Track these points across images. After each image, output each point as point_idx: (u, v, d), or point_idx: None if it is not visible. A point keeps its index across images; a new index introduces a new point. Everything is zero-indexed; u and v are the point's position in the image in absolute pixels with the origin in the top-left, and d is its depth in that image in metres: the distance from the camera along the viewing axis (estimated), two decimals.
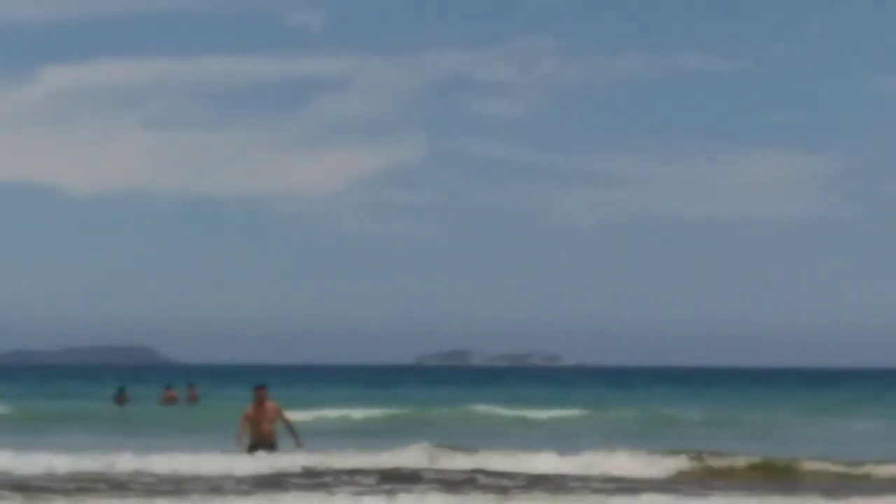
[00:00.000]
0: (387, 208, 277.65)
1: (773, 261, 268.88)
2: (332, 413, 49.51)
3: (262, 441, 24.29)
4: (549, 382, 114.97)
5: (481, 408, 53.43)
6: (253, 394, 24.55)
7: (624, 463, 25.27)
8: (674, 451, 26.30)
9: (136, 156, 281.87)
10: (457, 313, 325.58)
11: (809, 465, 25.25)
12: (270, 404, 24.46)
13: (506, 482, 22.35)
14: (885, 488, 21.94)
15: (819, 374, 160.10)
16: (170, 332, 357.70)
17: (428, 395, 74.92)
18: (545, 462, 25.31)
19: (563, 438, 35.16)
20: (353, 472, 23.28)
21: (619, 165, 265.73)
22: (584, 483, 22.52)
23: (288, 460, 24.03)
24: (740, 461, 25.71)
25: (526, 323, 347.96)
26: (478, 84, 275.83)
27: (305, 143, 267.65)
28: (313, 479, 22.37)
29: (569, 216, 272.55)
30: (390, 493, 20.13)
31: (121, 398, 56.17)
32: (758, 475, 24.50)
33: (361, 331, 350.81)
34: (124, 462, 24.12)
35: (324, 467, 23.94)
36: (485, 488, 21.48)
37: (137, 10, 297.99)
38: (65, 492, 19.99)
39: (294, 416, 26.42)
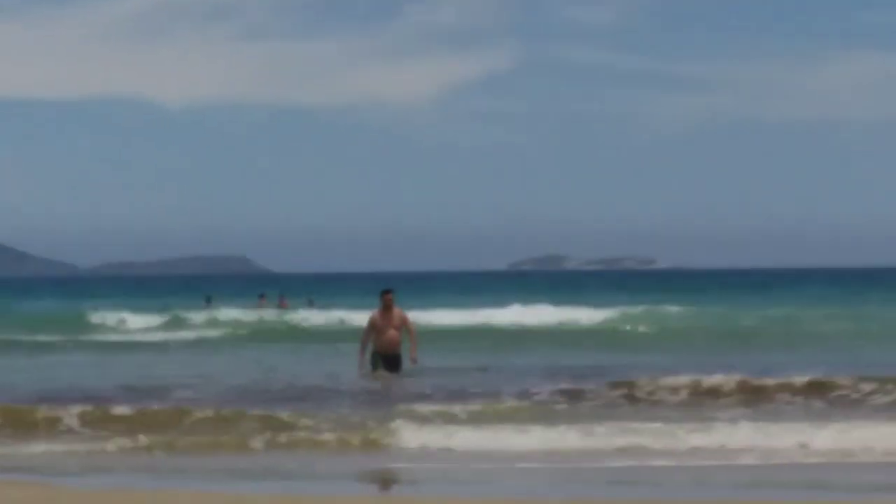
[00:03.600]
0: (479, 117, 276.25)
1: (866, 162, 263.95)
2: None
3: (386, 349, 22.96)
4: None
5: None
6: (379, 299, 23.23)
7: None
8: None
9: (228, 67, 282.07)
10: (549, 219, 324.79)
11: None
12: (397, 311, 23.16)
13: None
14: None
15: None
16: (265, 241, 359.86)
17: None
18: None
19: None
20: None
21: (711, 70, 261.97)
22: None
23: None
24: None
25: (619, 227, 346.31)
26: None
27: (397, 53, 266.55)
28: None
29: (661, 121, 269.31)
30: None
31: (207, 306, 57.40)
32: None
33: (452, 238, 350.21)
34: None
35: None
36: None
37: None
38: None
39: None
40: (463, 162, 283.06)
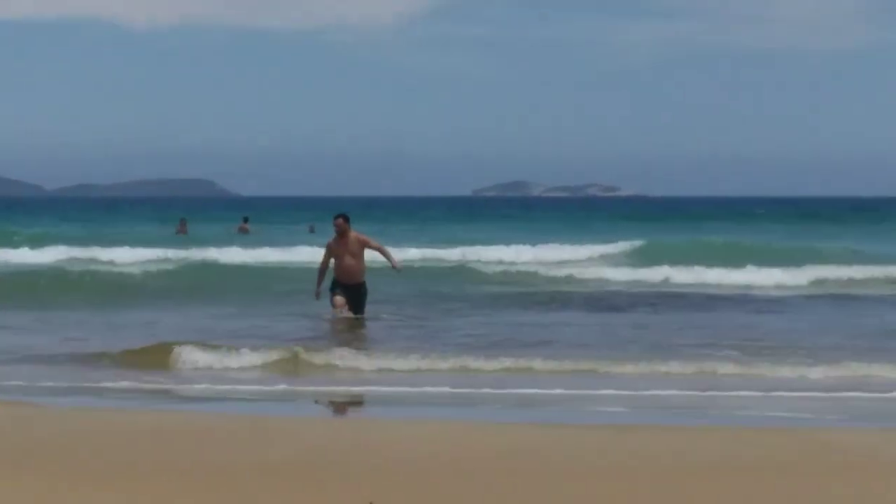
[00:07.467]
0: (442, 42, 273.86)
1: (827, 91, 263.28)
2: None
3: (344, 277, 21.90)
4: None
5: None
6: (333, 225, 22.20)
7: None
8: None
9: None
10: (514, 145, 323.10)
11: None
12: (354, 234, 22.07)
13: None
14: None
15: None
16: (230, 165, 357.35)
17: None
18: None
19: None
20: None
21: None
22: None
23: None
24: None
25: (584, 154, 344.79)
26: None
27: None
28: None
29: (626, 48, 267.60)
30: None
31: (181, 229, 55.34)
32: None
33: (417, 164, 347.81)
34: None
35: None
36: None
37: None
38: None
39: None
40: (426, 87, 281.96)
